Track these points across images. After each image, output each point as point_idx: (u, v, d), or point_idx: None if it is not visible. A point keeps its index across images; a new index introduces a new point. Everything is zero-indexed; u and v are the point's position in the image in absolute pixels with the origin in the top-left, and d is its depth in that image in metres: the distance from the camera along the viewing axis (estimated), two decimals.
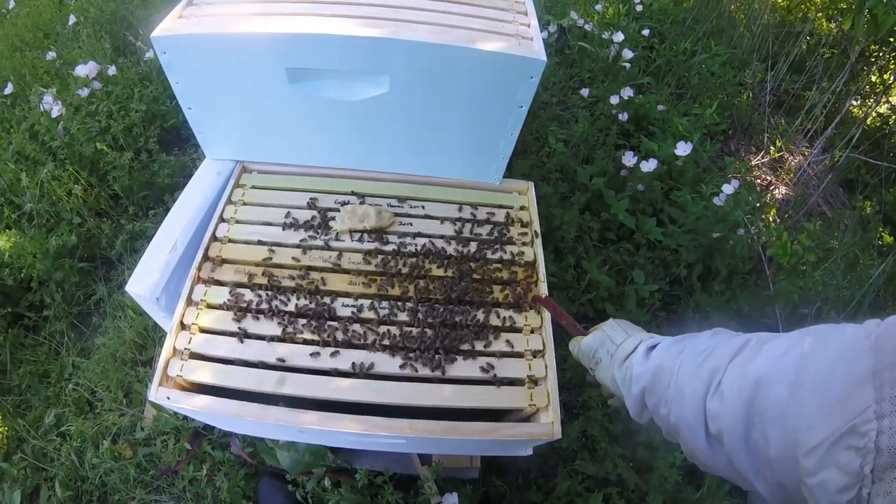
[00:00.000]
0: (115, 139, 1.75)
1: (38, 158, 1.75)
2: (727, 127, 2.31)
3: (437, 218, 1.10)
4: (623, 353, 0.77)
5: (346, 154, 1.13)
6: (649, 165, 1.76)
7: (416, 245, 1.06)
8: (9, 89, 1.92)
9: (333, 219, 1.07)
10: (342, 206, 1.09)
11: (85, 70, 1.81)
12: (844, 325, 0.49)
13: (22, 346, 1.73)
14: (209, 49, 0.95)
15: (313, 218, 1.08)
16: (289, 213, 1.08)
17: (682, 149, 1.79)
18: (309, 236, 1.06)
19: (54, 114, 1.74)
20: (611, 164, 1.86)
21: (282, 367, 0.92)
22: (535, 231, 1.11)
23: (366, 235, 1.06)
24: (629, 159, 1.78)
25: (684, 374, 0.62)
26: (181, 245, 1.08)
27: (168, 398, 0.91)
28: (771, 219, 2.07)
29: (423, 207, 1.11)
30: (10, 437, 1.62)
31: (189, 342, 0.96)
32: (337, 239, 1.06)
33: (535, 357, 0.98)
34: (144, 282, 1.04)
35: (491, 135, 1.07)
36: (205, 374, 0.93)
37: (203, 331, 0.98)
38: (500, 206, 1.15)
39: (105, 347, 1.62)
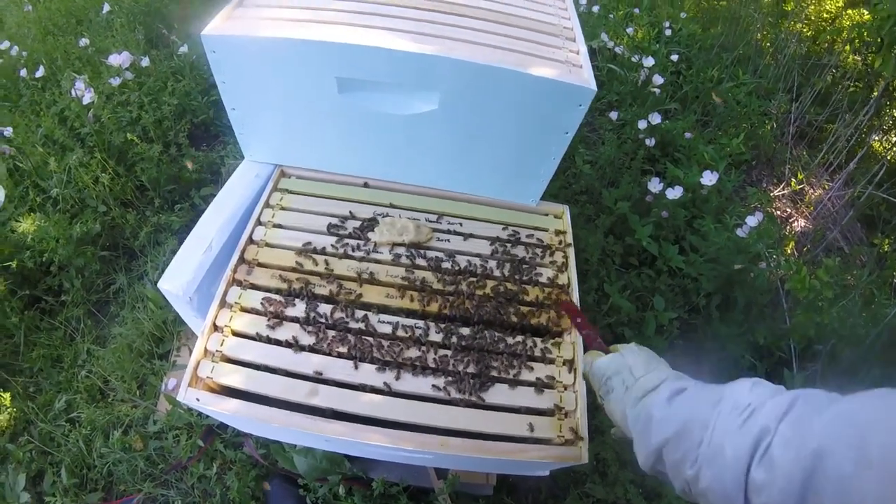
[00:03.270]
0: (146, 131, 1.75)
1: (66, 143, 1.75)
2: (750, 157, 2.32)
3: (474, 236, 1.11)
4: (641, 389, 0.68)
5: (387, 166, 1.13)
6: (675, 193, 1.76)
7: (452, 262, 1.06)
8: (40, 72, 1.93)
9: (372, 230, 1.07)
10: (381, 217, 1.09)
11: (118, 60, 1.82)
12: None
13: (37, 328, 1.73)
14: (259, 51, 0.96)
15: (352, 228, 1.08)
16: (329, 221, 1.08)
17: (708, 178, 1.80)
18: (347, 246, 1.06)
19: (86, 100, 1.74)
20: (636, 188, 1.87)
21: (314, 377, 0.92)
22: (570, 256, 1.11)
23: (403, 249, 1.06)
24: (655, 185, 1.78)
25: (724, 431, 0.54)
26: (216, 245, 1.08)
27: (198, 399, 0.91)
28: (789, 251, 2.07)
29: (461, 225, 1.12)
30: (17, 419, 1.62)
31: (221, 344, 0.96)
32: (375, 250, 1.06)
33: (566, 389, 0.97)
34: (178, 280, 1.04)
35: (534, 158, 1.07)
36: (236, 378, 0.93)
37: (235, 334, 0.98)
38: (536, 228, 1.15)
39: (122, 337, 1.62)
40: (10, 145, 1.73)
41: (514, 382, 0.96)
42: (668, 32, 2.49)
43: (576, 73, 0.98)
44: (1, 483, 1.38)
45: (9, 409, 1.59)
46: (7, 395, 1.59)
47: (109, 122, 1.71)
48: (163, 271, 1.62)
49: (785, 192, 2.34)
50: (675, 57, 2.29)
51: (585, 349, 0.85)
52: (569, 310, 0.99)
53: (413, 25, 0.99)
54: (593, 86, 0.95)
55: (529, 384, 0.96)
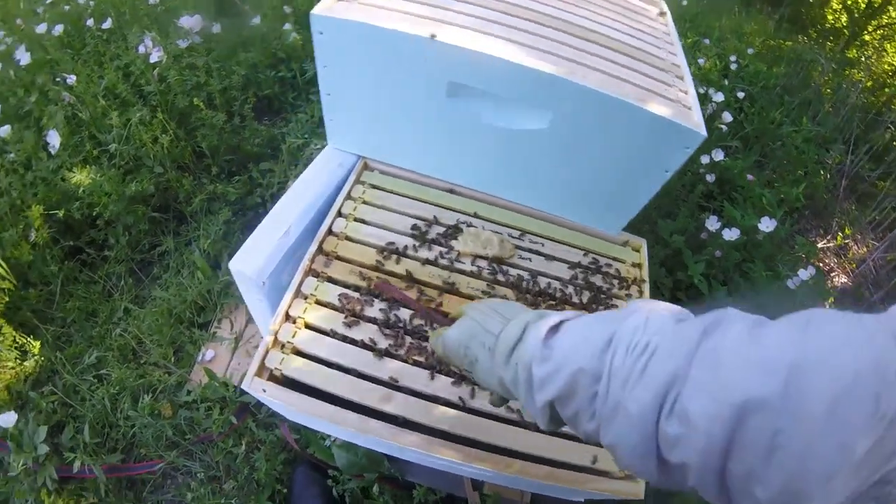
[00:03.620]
0: (210, 97, 1.73)
1: (127, 99, 1.73)
2: (801, 205, 2.29)
3: (555, 258, 1.09)
4: (506, 345, 0.57)
5: (476, 175, 1.11)
6: (731, 234, 1.75)
7: (533, 283, 1.04)
8: (107, 24, 1.90)
9: (455, 238, 1.05)
10: (465, 227, 1.07)
11: (189, 22, 1.79)
12: (853, 321, 0.37)
13: (75, 280, 1.71)
14: (372, 41, 0.93)
15: (436, 234, 1.06)
16: (413, 223, 1.06)
17: (766, 225, 1.78)
18: (431, 251, 1.04)
19: (153, 58, 1.72)
20: (692, 223, 1.84)
21: (389, 383, 0.90)
22: (645, 292, 1.09)
23: (485, 263, 1.04)
24: (712, 224, 1.77)
25: (621, 382, 0.45)
26: (294, 231, 1.06)
27: (264, 391, 0.89)
28: (828, 307, 2.06)
29: (543, 245, 1.10)
30: (43, 367, 1.61)
31: (293, 336, 0.94)
32: (458, 260, 1.04)
33: None
34: (252, 262, 1.02)
35: (628, 190, 1.06)
36: (307, 374, 0.91)
37: (309, 326, 0.96)
38: (614, 259, 1.13)
39: (163, 301, 1.60)
40: (71, 93, 1.71)
41: None
42: (733, 66, 2.46)
43: (687, 114, 0.96)
44: (20, 430, 1.36)
45: (36, 357, 1.58)
46: (37, 344, 1.58)
47: (175, 83, 1.69)
48: (214, 241, 1.62)
49: (830, 244, 2.31)
50: (741, 94, 2.26)
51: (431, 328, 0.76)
52: (385, 290, 0.93)
53: (530, 39, 0.96)
54: (703, 131, 0.93)
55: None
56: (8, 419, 1.32)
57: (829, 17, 3.08)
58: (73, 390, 1.56)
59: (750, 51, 2.61)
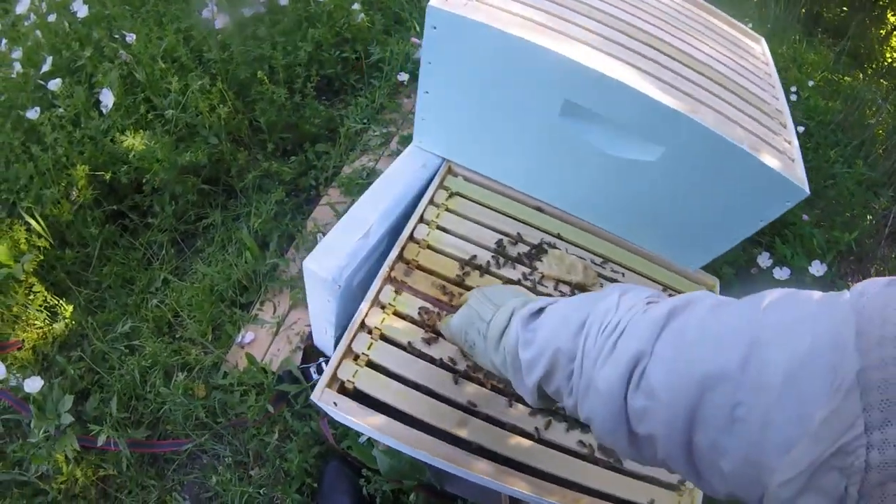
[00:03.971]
0: (273, 71, 1.67)
1: (186, 64, 1.67)
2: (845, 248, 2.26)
3: None
4: (496, 332, 0.63)
5: (566, 195, 1.08)
6: (782, 273, 1.73)
7: None
8: None
9: (540, 259, 1.02)
10: (549, 248, 1.03)
11: None
12: (805, 297, 0.38)
13: (114, 244, 1.67)
14: (490, 44, 0.88)
15: (519, 252, 1.02)
16: (498, 238, 1.03)
17: (817, 269, 1.77)
18: (513, 270, 1.01)
19: (217, 24, 1.66)
20: (742, 255, 1.82)
21: (467, 408, 0.88)
22: None
23: (568, 289, 1.01)
24: (764, 260, 1.76)
25: (593, 360, 0.48)
26: (374, 234, 1.02)
27: (335, 404, 0.86)
28: None
29: (623, 275, 1.06)
30: (73, 331, 1.57)
31: (368, 347, 0.91)
32: (541, 283, 1.00)
33: None
34: (329, 263, 0.98)
35: (718, 233, 1.03)
36: (382, 390, 0.88)
37: (384, 339, 0.92)
38: None
39: (205, 276, 1.56)
40: (128, 52, 1.65)
41: None
42: (793, 97, 2.41)
43: (792, 168, 0.93)
44: (43, 395, 1.33)
45: (66, 320, 1.54)
46: (69, 308, 1.54)
47: (238, 53, 1.63)
48: (265, 220, 1.58)
49: None
50: (801, 128, 2.21)
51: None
52: None
53: (651, 67, 0.92)
54: (807, 188, 0.91)
55: None
56: (34, 384, 1.29)
57: (888, 56, 3.02)
58: (101, 358, 1.53)
59: (810, 83, 2.55)
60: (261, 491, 1.37)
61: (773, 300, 0.40)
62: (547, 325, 0.56)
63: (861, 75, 2.99)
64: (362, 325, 0.93)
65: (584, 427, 0.92)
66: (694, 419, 0.40)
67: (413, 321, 0.93)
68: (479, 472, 0.84)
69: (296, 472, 1.37)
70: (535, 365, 0.55)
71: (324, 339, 1.24)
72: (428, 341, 0.91)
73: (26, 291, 1.52)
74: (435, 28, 0.90)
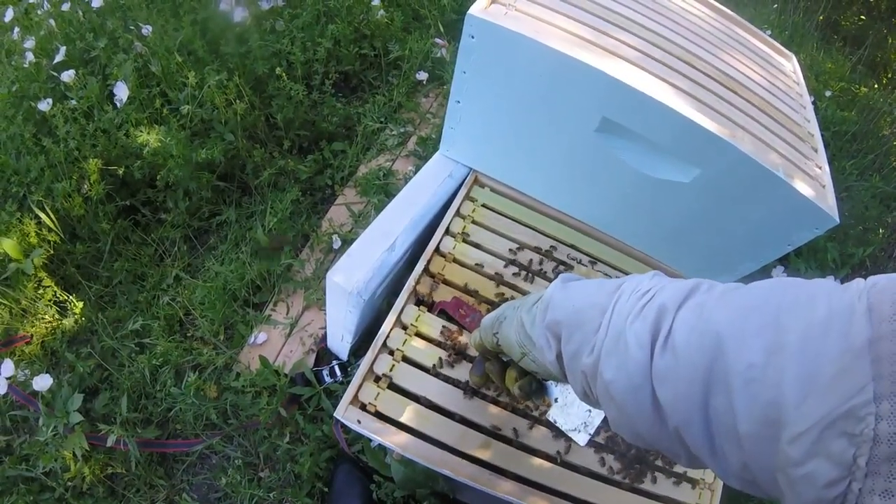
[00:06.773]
0: (291, 67, 1.64)
1: (203, 58, 1.64)
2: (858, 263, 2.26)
3: None
4: (533, 298, 0.64)
5: (593, 211, 1.06)
6: None
7: None
8: None
9: None
10: (577, 263, 1.02)
11: None
12: (823, 281, 0.40)
13: (126, 239, 1.65)
14: (529, 56, 0.86)
15: (543, 268, 1.01)
16: (528, 254, 1.01)
17: None
18: (539, 286, 0.99)
19: (236, 18, 1.62)
20: (757, 269, 1.81)
21: (490, 431, 0.87)
22: None
23: None
24: (778, 273, 1.74)
25: (624, 315, 0.48)
26: (400, 246, 1.01)
27: (359, 422, 0.85)
28: None
29: None
30: (82, 327, 1.55)
31: (391, 369, 0.89)
32: None
33: (710, 490, 0.94)
34: (354, 275, 0.97)
35: (743, 255, 1.03)
36: (403, 412, 0.87)
37: (407, 361, 0.91)
38: None
39: (218, 275, 1.54)
40: (144, 43, 1.62)
41: (669, 473, 0.93)
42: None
43: (823, 195, 0.92)
44: (52, 392, 1.32)
45: (76, 316, 1.52)
46: (79, 304, 1.52)
47: (256, 48, 1.60)
48: (280, 220, 1.56)
49: None
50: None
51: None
52: (451, 307, 0.94)
53: (689, 86, 0.90)
54: (836, 217, 0.90)
55: (678, 476, 0.93)
56: (43, 382, 1.28)
57: None
58: (111, 355, 1.51)
59: (828, 93, 2.53)
60: (271, 494, 1.36)
61: (791, 280, 0.42)
62: (582, 284, 0.58)
63: (877, 85, 2.96)
64: (384, 345, 0.91)
65: (603, 448, 0.91)
66: (711, 379, 0.41)
67: (437, 343, 0.92)
68: (505, 492, 0.84)
69: (306, 475, 1.36)
70: (560, 307, 0.56)
71: (339, 344, 1.23)
72: (451, 363, 0.90)
73: (35, 286, 1.50)
74: (473, 38, 0.88)
